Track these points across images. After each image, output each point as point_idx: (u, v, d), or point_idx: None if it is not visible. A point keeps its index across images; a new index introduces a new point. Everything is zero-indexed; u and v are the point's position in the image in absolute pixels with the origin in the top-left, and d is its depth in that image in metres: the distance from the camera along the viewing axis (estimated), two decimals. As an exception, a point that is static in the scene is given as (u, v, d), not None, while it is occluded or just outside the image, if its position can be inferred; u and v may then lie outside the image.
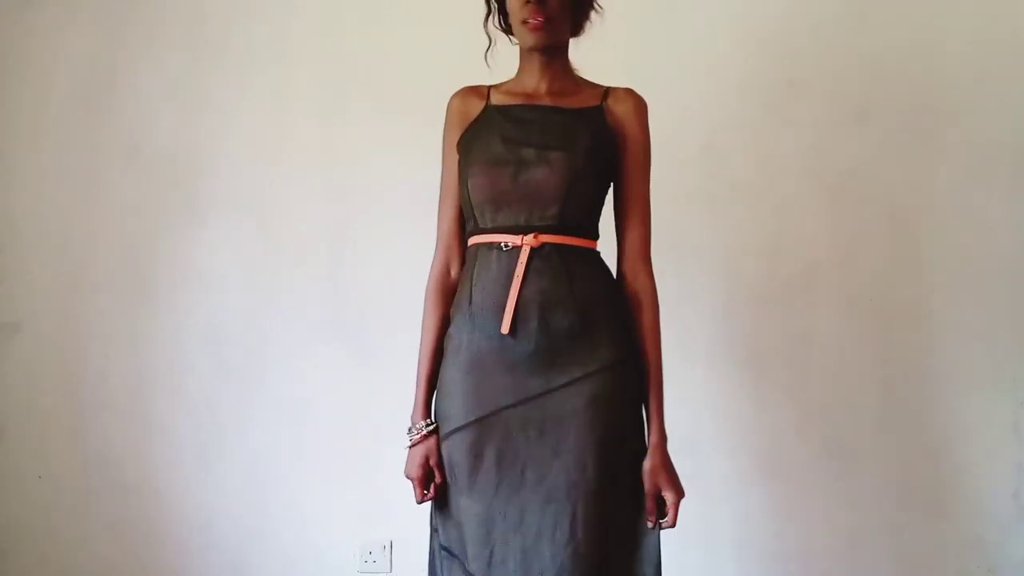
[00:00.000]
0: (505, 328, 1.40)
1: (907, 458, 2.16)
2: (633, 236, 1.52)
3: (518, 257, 1.42)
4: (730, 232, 2.20)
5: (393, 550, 2.21)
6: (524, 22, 1.44)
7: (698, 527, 2.15)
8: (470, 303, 1.44)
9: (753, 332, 2.19)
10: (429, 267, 1.55)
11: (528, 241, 1.42)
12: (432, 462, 1.47)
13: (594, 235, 1.51)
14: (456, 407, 1.45)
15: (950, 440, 2.16)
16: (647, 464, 1.45)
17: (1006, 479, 2.15)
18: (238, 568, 2.23)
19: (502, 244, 1.43)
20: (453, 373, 1.46)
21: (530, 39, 1.46)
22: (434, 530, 1.51)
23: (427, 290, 1.54)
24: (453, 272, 1.53)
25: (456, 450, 1.44)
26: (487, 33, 1.55)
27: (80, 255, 2.26)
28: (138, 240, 2.26)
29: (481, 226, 1.47)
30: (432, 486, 1.48)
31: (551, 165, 1.43)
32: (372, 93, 2.24)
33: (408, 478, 1.49)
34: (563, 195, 1.43)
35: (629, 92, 1.54)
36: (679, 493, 1.47)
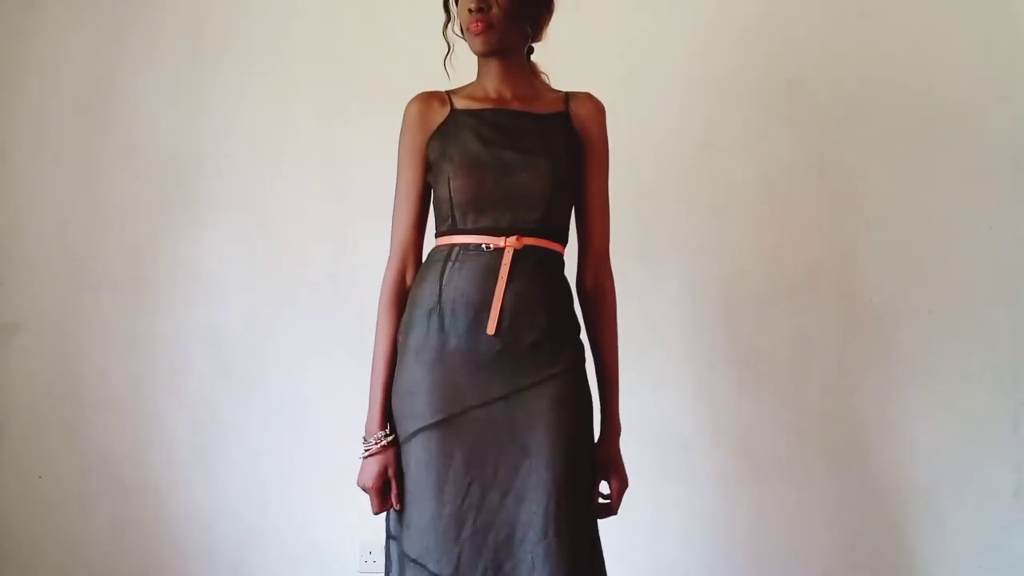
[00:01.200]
0: (491, 329, 1.42)
1: (907, 458, 2.17)
2: (598, 234, 1.57)
3: (500, 259, 1.44)
4: (730, 233, 2.20)
5: (393, 550, 2.21)
6: (468, 28, 1.49)
7: (698, 526, 2.16)
8: (439, 301, 1.45)
9: (753, 332, 2.20)
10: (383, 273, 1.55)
11: (511, 243, 1.44)
12: (391, 472, 1.46)
13: (566, 240, 1.54)
14: (420, 406, 1.44)
15: (950, 440, 2.16)
16: (603, 452, 1.52)
17: (1006, 478, 2.15)
18: (238, 568, 2.23)
19: (483, 245, 1.45)
20: (415, 371, 1.46)
21: (474, 45, 1.50)
22: (392, 538, 1.50)
23: (381, 298, 1.54)
24: (408, 279, 1.54)
25: (423, 449, 1.44)
26: (446, 39, 1.58)
27: (80, 255, 2.26)
28: (138, 240, 2.26)
29: (460, 227, 1.48)
30: (392, 495, 1.47)
31: (536, 170, 1.46)
32: (372, 93, 2.24)
33: (363, 489, 1.48)
34: (548, 200, 1.47)
35: (589, 96, 1.58)
36: (625, 483, 1.54)
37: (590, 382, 1.52)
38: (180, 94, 2.28)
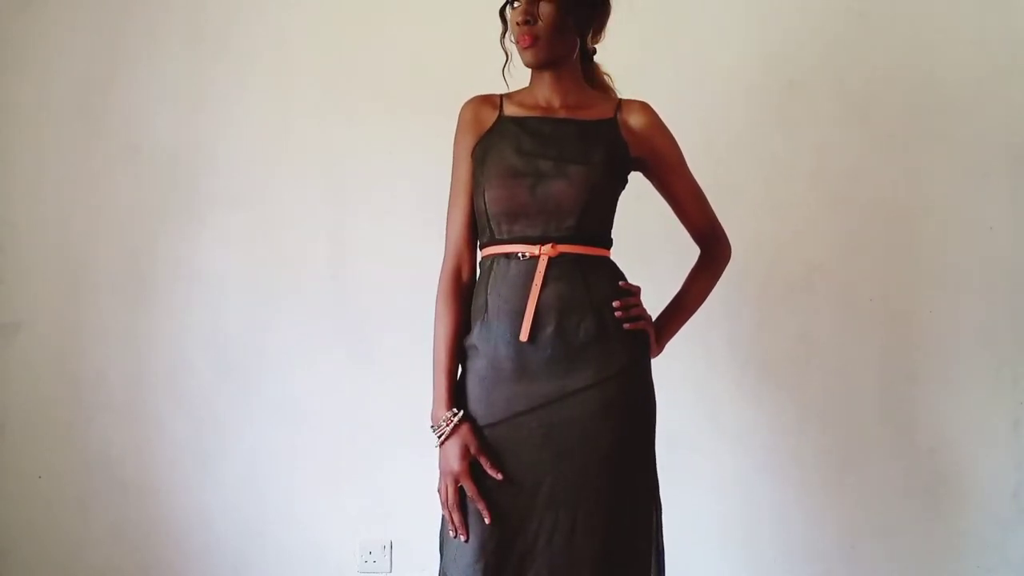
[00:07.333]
0: (524, 335, 1.41)
1: (907, 458, 2.17)
2: (697, 223, 1.66)
3: (536, 266, 1.44)
4: (731, 233, 2.17)
5: (393, 550, 2.21)
6: (517, 42, 1.50)
7: (698, 526, 2.16)
8: (486, 310, 1.45)
9: (753, 332, 2.20)
10: (438, 274, 1.54)
11: (546, 251, 1.44)
12: (474, 450, 1.41)
13: (608, 244, 1.53)
14: (473, 411, 1.44)
15: (950, 440, 2.16)
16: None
17: (1006, 478, 2.15)
18: (238, 568, 2.23)
19: (519, 254, 1.45)
20: (470, 379, 1.46)
21: (523, 58, 1.51)
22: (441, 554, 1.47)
23: (438, 295, 1.52)
24: (464, 276, 1.53)
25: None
26: (504, 49, 1.57)
27: (80, 255, 2.26)
28: (138, 240, 2.26)
29: (497, 237, 1.48)
30: (488, 469, 1.40)
31: (569, 178, 1.45)
32: (373, 93, 2.24)
33: (449, 479, 1.42)
34: (581, 207, 1.46)
35: (641, 105, 1.57)
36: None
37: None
38: (180, 94, 2.28)
